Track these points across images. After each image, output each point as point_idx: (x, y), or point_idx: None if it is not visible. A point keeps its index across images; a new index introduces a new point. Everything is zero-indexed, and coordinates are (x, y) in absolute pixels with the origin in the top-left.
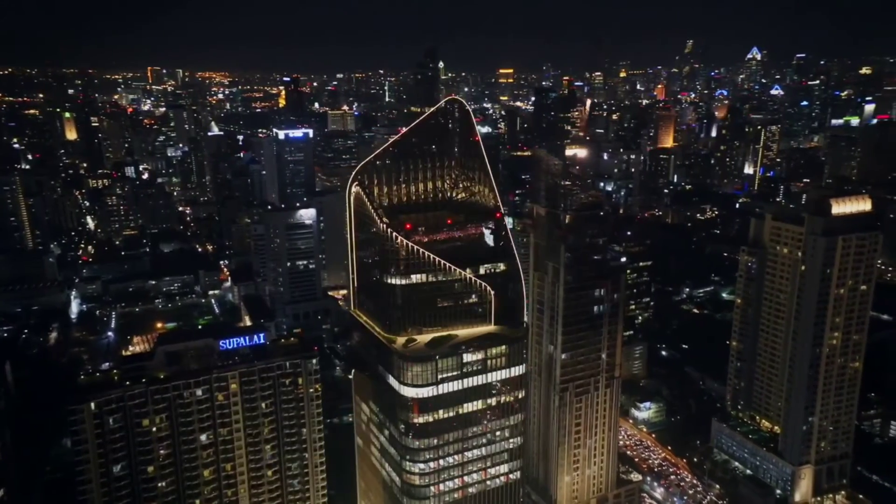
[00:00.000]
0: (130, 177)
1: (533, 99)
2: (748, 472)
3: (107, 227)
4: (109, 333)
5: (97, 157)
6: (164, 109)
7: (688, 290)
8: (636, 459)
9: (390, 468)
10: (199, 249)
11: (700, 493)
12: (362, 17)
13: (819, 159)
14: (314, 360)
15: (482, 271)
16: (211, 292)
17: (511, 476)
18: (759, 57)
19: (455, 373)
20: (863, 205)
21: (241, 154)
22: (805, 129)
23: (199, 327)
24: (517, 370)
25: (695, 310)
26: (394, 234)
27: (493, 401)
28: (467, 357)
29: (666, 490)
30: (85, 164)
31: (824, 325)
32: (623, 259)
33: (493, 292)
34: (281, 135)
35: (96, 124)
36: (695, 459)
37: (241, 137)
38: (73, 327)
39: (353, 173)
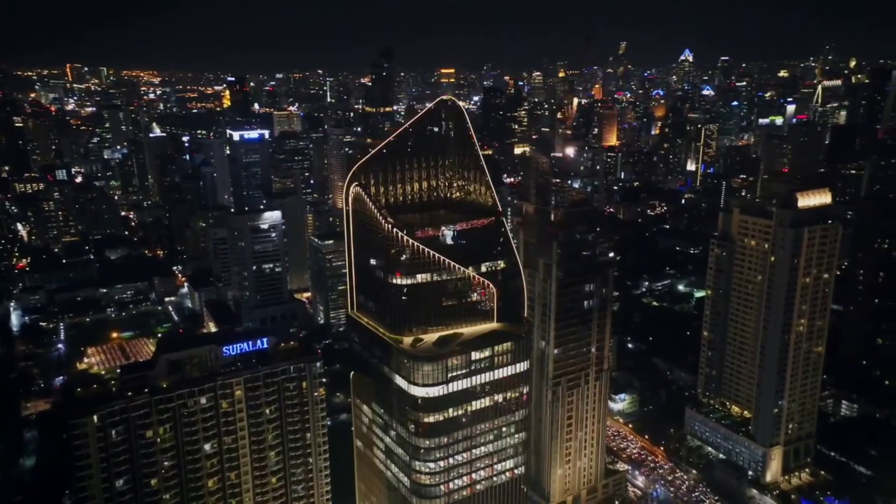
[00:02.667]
0: (62, 180)
1: (476, 98)
2: (721, 455)
3: (43, 234)
4: (60, 346)
5: (23, 160)
6: (91, 109)
7: (647, 283)
8: (615, 449)
9: (397, 469)
10: (150, 255)
11: (679, 478)
12: (297, 16)
13: (751, 156)
14: (318, 363)
15: (483, 269)
16: (167, 299)
17: (516, 471)
18: (690, 59)
19: (464, 371)
20: (824, 198)
21: (189, 156)
22: (736, 127)
23: (159, 335)
24: (522, 366)
25: (654, 303)
26: (399, 234)
27: (499, 397)
28: (475, 355)
29: (647, 478)
30: (7, 168)
31: (792, 312)
32: (612, 254)
33: (495, 290)
34: (235, 136)
35: (20, 125)
36: (670, 447)
37: (186, 139)
38: (17, 341)
39: (350, 174)
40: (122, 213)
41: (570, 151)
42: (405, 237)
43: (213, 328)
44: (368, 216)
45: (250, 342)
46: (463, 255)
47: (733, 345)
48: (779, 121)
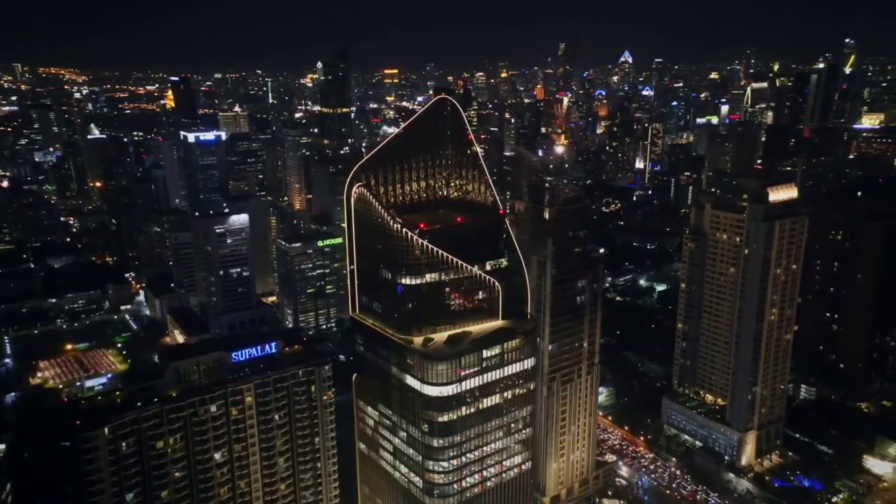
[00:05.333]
0: None
1: (419, 99)
2: (698, 443)
3: None
4: (7, 361)
5: None
6: (9, 109)
7: (610, 279)
8: (598, 441)
9: (407, 469)
10: (98, 262)
11: (660, 466)
12: (229, 16)
13: (692, 154)
14: (327, 367)
15: (488, 267)
16: (123, 307)
17: (523, 467)
18: (630, 60)
19: (476, 369)
20: (791, 192)
21: (137, 159)
22: (675, 126)
23: (119, 344)
24: (529, 362)
25: (618, 298)
26: (408, 233)
27: (508, 394)
28: (486, 352)
29: (630, 468)
30: None
31: (766, 302)
32: (602, 250)
33: (500, 287)
34: (190, 137)
35: None
36: (649, 437)
37: (125, 140)
38: None
39: (351, 175)
40: (62, 219)
41: (560, 150)
42: (414, 237)
43: (178, 336)
44: (374, 217)
45: (258, 347)
46: (467, 253)
47: (707, 335)
48: (714, 120)
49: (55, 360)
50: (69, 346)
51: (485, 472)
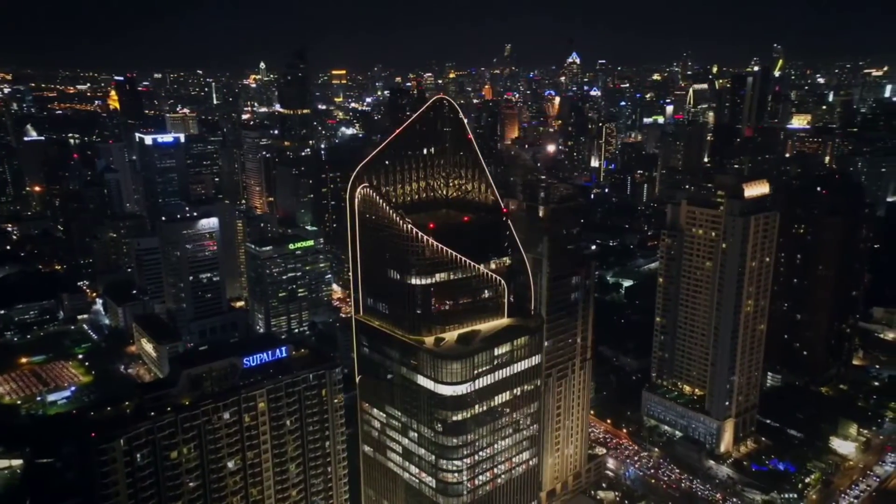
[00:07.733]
0: None
1: (368, 100)
2: (678, 433)
3: None
4: None
5: None
6: None
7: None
8: None
9: (418, 470)
10: (46, 271)
11: (644, 457)
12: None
13: (643, 153)
14: (337, 370)
15: (493, 266)
16: (80, 317)
17: (531, 462)
18: (578, 61)
19: (487, 367)
20: (763, 188)
21: (81, 161)
22: (624, 126)
23: (80, 355)
24: (536, 359)
25: None
26: (418, 233)
27: (517, 390)
28: (497, 350)
29: (616, 459)
30: None
31: (742, 295)
32: (593, 247)
33: (505, 285)
34: (147, 140)
35: None
36: (630, 429)
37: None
38: None
39: (354, 175)
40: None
41: (551, 148)
42: (424, 237)
43: (146, 345)
44: (380, 218)
45: (269, 352)
46: (473, 252)
47: (684, 328)
48: (660, 119)
49: (10, 375)
50: (24, 360)
51: (496, 470)
